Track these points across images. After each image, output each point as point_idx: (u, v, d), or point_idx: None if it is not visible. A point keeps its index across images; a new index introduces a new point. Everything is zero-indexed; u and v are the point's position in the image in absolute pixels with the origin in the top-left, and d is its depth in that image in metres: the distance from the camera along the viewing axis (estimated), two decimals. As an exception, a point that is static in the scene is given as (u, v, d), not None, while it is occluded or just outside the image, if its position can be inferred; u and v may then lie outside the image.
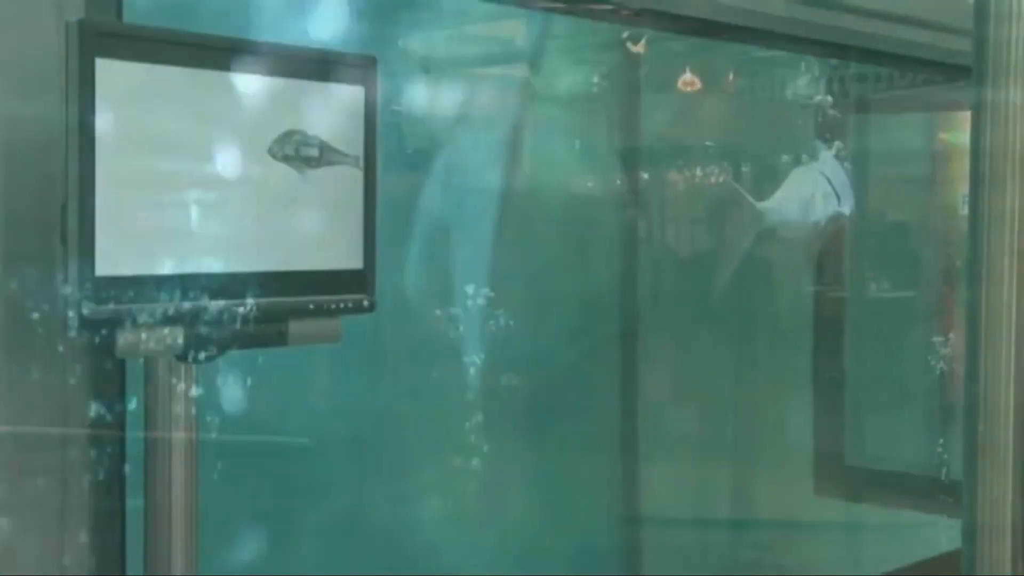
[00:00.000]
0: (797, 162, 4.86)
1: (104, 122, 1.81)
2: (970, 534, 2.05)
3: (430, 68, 4.31)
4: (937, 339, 5.53)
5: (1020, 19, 2.00)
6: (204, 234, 1.95)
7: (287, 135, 2.02)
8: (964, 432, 2.09)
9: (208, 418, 2.29)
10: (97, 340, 2.10)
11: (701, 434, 5.26)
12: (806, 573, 5.09)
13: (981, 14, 2.04)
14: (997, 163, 1.99)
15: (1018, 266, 1.98)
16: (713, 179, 5.09)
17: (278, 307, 2.04)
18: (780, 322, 5.47)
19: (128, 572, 2.26)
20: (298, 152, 2.03)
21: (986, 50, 2.03)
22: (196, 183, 1.93)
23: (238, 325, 1.99)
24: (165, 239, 1.90)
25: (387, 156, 2.26)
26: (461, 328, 4.14)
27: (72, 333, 2.10)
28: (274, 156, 2.00)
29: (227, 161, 1.96)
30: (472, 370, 4.17)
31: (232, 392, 2.43)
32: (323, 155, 2.06)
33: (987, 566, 2.02)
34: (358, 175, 2.15)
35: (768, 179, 5.51)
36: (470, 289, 4.11)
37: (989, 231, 1.98)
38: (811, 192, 4.48)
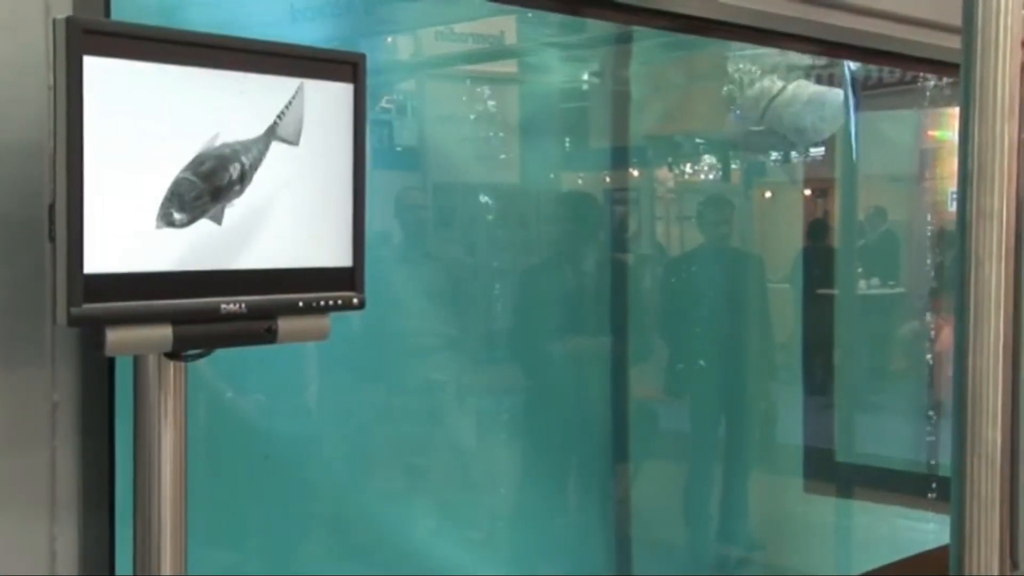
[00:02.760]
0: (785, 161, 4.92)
1: (92, 120, 1.81)
2: (958, 531, 2.06)
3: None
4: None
5: (1008, 16, 2.01)
6: (193, 232, 1.94)
7: (185, 183, 1.89)
8: (953, 430, 2.10)
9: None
10: (86, 338, 2.10)
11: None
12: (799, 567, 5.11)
13: (969, 10, 2.05)
14: (985, 160, 1.99)
15: (1006, 264, 1.99)
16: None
17: (267, 305, 2.04)
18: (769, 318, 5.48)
19: (118, 571, 2.26)
20: (223, 179, 1.94)
21: (974, 47, 2.03)
22: (207, 172, 1.93)
23: (227, 323, 1.99)
24: (154, 237, 1.90)
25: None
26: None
27: (61, 331, 2.11)
28: (191, 217, 1.90)
29: (230, 148, 1.95)
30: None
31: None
32: (246, 168, 1.98)
33: (975, 563, 2.02)
34: (348, 172, 2.15)
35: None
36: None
37: (977, 228, 1.99)
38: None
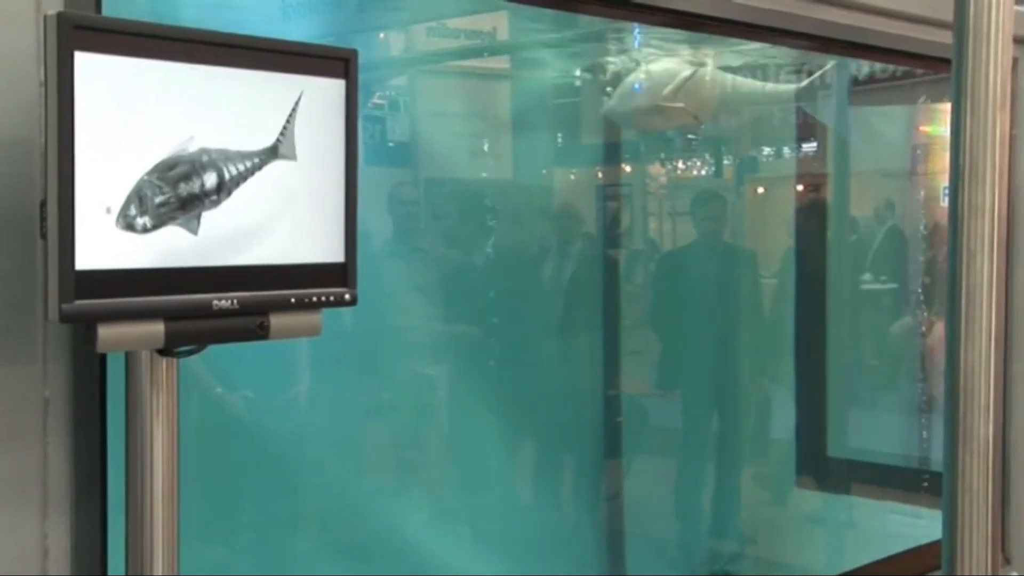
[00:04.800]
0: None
1: (84, 116, 1.80)
2: (950, 526, 2.06)
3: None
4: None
5: (999, 11, 2.01)
6: (185, 228, 1.94)
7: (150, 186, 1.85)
8: (945, 424, 2.10)
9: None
10: (78, 334, 2.09)
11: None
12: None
13: (961, 6, 2.05)
14: (977, 155, 1.99)
15: (997, 258, 1.99)
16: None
17: (259, 301, 2.04)
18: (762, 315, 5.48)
19: (110, 570, 2.25)
20: (194, 186, 1.91)
21: (966, 42, 2.03)
22: (177, 177, 1.92)
23: (219, 319, 1.99)
24: (146, 233, 1.89)
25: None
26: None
27: (53, 327, 2.11)
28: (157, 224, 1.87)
29: (208, 155, 1.94)
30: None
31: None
32: (226, 179, 1.95)
33: (967, 558, 2.02)
34: (340, 168, 2.15)
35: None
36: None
37: (968, 223, 1.99)
38: None
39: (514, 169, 5.11)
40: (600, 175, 5.39)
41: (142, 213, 1.87)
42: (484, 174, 5.00)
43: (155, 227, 1.88)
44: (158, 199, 1.88)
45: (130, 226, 1.86)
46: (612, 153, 5.43)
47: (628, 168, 5.59)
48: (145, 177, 1.87)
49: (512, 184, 5.09)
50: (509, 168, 5.09)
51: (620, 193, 5.40)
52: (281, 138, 2.03)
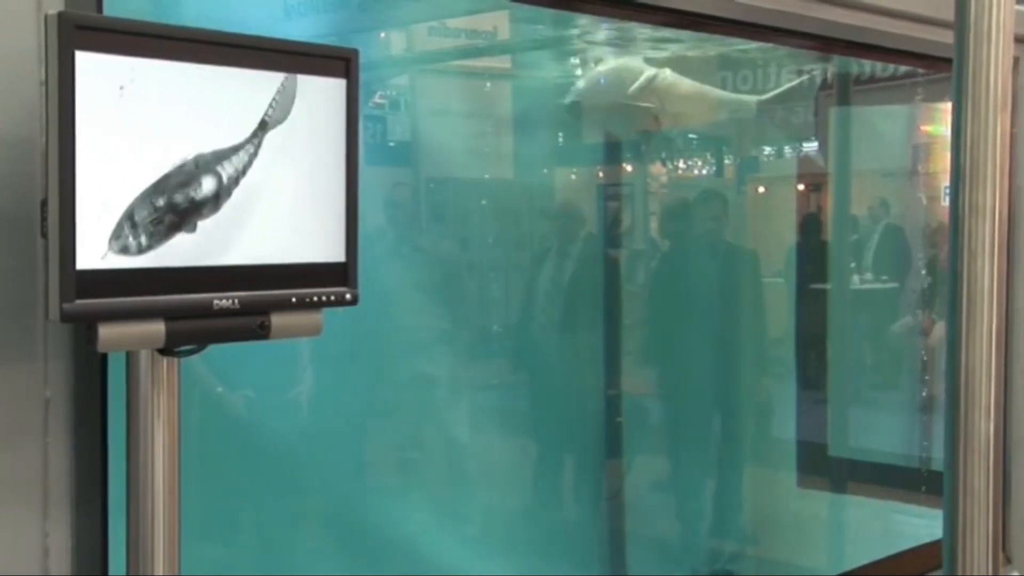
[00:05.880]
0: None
1: (85, 116, 1.80)
2: (951, 525, 2.06)
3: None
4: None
5: (1000, 11, 2.01)
6: (186, 227, 1.94)
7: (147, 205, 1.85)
8: (946, 423, 2.10)
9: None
10: (79, 333, 2.10)
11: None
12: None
13: (962, 5, 2.05)
14: (977, 155, 1.99)
15: (998, 258, 1.99)
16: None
17: (260, 301, 2.04)
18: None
19: (111, 570, 2.25)
20: (191, 198, 1.91)
21: (966, 41, 2.03)
22: (178, 177, 1.92)
23: (220, 319, 1.99)
24: (147, 233, 1.89)
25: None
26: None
27: (54, 327, 2.11)
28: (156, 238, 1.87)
29: (209, 154, 1.95)
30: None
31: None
32: (224, 181, 1.95)
33: (968, 557, 2.03)
34: (340, 167, 2.15)
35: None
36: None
37: (969, 223, 1.99)
38: None
39: (514, 168, 5.10)
40: (600, 175, 5.39)
41: (135, 236, 1.86)
42: (483, 173, 4.99)
43: (149, 247, 1.87)
44: (152, 218, 1.88)
45: (124, 248, 1.85)
46: (611, 152, 5.44)
47: (627, 168, 5.60)
48: (140, 197, 1.86)
49: (511, 183, 5.09)
50: (509, 167, 5.09)
51: (620, 193, 5.40)
52: (270, 111, 2.03)
